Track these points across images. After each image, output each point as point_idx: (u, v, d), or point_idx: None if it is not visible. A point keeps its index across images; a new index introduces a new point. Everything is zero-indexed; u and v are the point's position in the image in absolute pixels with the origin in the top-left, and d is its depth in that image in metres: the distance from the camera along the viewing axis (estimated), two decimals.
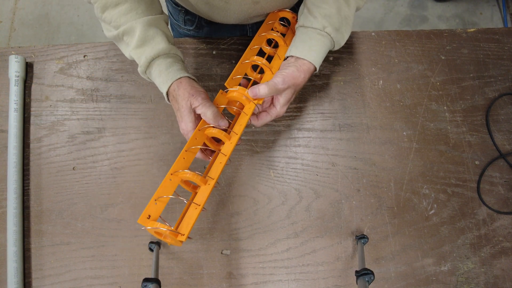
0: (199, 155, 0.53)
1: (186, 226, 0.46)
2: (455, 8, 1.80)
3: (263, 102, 0.55)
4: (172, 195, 0.47)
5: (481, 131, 0.67)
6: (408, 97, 0.68)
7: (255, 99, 0.52)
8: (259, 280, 0.61)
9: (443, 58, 0.70)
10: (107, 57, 0.70)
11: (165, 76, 0.52)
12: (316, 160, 0.65)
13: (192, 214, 0.46)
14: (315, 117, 0.67)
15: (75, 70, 0.69)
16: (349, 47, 0.70)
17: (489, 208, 0.64)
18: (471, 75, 0.69)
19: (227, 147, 0.51)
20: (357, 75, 0.69)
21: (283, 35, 0.63)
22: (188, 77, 0.53)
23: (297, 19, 0.59)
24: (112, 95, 0.68)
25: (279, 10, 0.63)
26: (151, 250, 0.60)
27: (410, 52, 0.70)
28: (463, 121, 0.67)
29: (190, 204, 0.48)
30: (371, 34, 0.71)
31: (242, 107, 0.55)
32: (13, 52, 0.69)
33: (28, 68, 0.69)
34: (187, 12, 0.74)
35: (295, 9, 0.65)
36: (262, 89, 0.51)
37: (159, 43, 0.52)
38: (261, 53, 0.61)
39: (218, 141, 0.55)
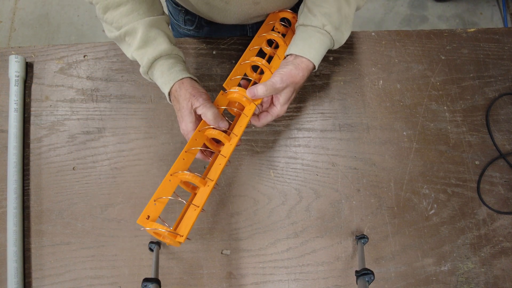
0: (199, 155, 0.53)
1: (185, 227, 0.46)
2: (455, 8, 1.80)
3: (263, 102, 0.55)
4: (172, 196, 0.47)
5: (481, 131, 0.67)
6: (408, 97, 0.68)
7: (254, 100, 0.52)
8: (259, 280, 0.61)
9: (443, 58, 0.70)
10: (107, 57, 0.70)
11: (167, 77, 0.52)
12: (316, 160, 0.65)
13: (191, 215, 0.46)
14: (315, 117, 0.67)
15: (75, 70, 0.69)
16: (349, 47, 0.70)
17: (489, 208, 0.64)
18: (471, 75, 0.69)
19: (227, 149, 0.51)
20: (357, 75, 0.69)
21: (284, 35, 0.63)
22: (190, 77, 0.53)
23: (297, 19, 0.59)
24: (112, 95, 0.68)
25: (280, 11, 0.62)
26: (151, 250, 0.60)
27: (410, 52, 0.70)
28: (463, 121, 0.67)
29: (189, 205, 0.48)
30: (371, 34, 0.71)
31: (242, 108, 0.55)
32: (13, 52, 0.69)
33: (28, 68, 0.69)
34: (187, 12, 0.74)
35: (295, 9, 0.65)
36: (260, 89, 0.51)
37: (161, 44, 0.52)
38: (261, 53, 0.61)
39: (218, 142, 0.55)
